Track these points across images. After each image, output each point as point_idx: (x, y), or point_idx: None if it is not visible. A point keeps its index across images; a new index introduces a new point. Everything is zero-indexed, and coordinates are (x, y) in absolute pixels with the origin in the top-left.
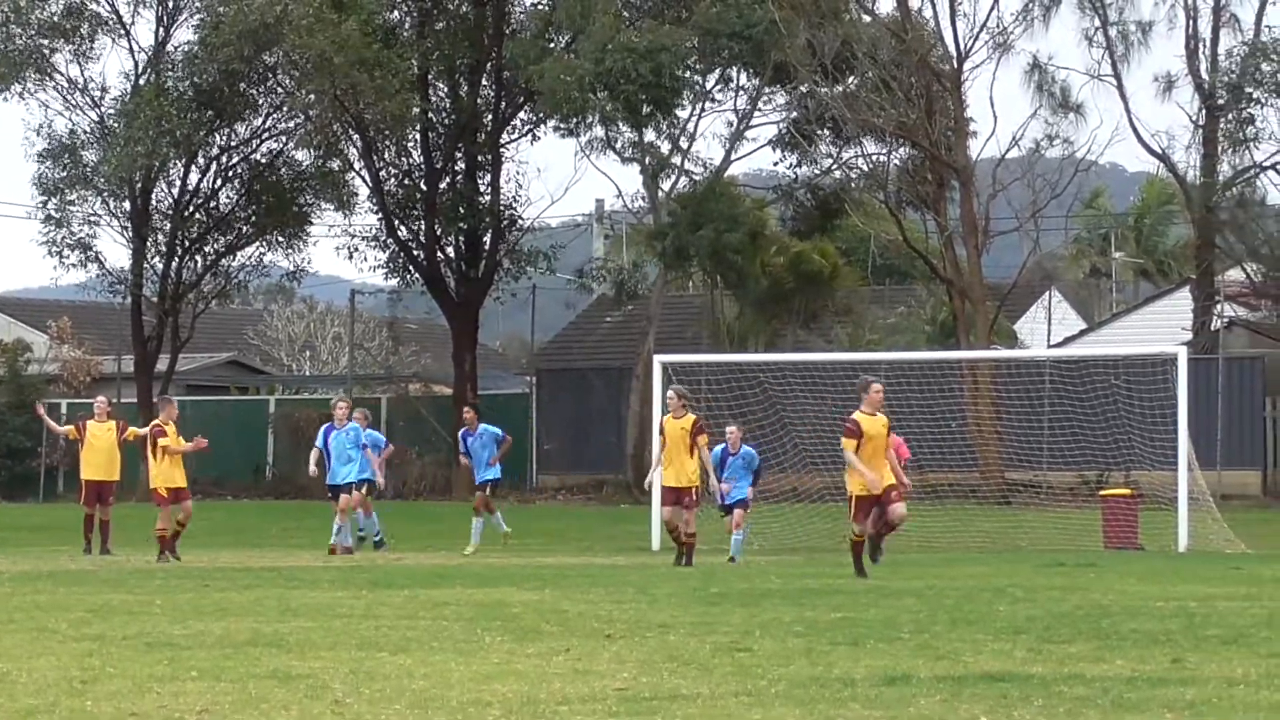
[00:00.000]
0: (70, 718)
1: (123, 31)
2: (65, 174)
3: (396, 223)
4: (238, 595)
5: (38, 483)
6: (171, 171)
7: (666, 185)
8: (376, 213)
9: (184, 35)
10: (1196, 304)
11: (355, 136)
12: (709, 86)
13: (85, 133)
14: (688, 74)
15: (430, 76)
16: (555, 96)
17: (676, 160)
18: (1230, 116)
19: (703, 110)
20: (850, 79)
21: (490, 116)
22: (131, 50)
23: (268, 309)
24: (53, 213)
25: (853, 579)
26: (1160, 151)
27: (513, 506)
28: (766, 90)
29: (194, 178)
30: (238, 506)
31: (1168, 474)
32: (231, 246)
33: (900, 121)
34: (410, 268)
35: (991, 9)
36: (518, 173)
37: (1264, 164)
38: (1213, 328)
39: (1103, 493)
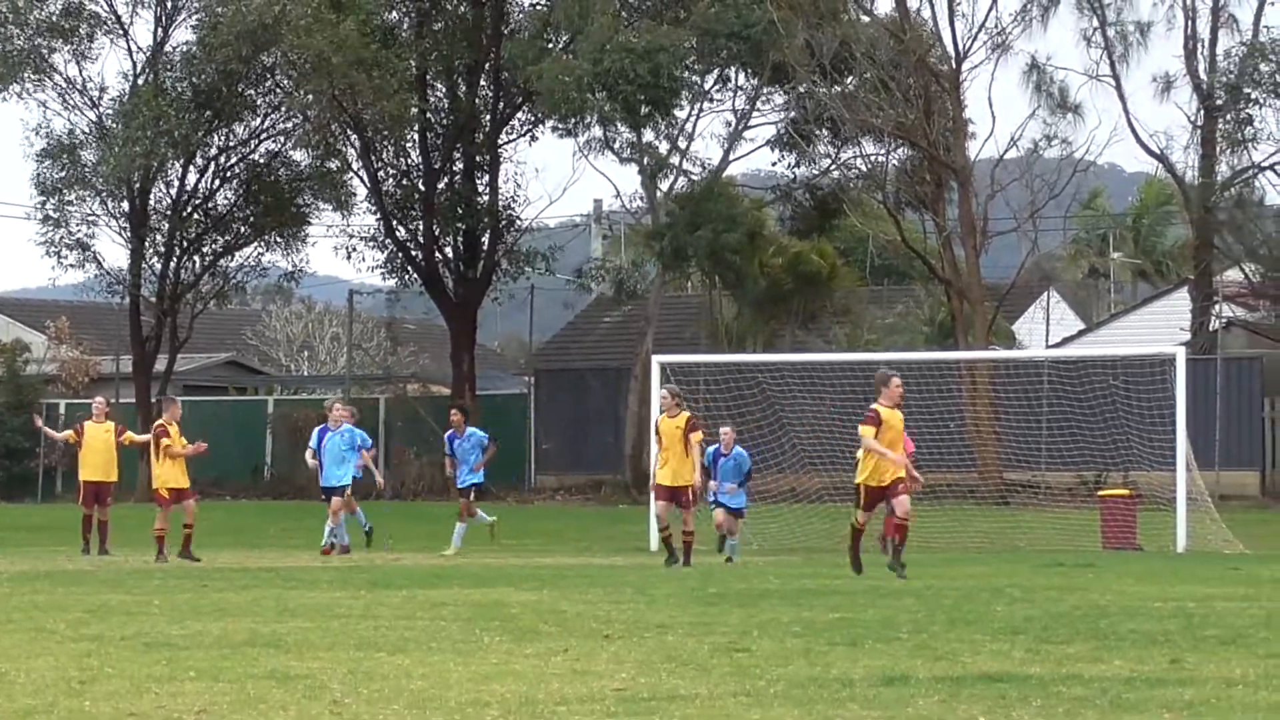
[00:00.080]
0: (68, 718)
1: (121, 31)
2: (64, 174)
3: (395, 223)
4: (236, 596)
5: (36, 483)
6: (170, 172)
7: (665, 185)
8: (375, 213)
9: (182, 35)
10: (1195, 304)
11: (353, 137)
12: (707, 87)
13: (84, 133)
14: (686, 74)
15: (428, 77)
16: (553, 97)
17: (675, 160)
18: (1228, 117)
19: (701, 110)
20: (849, 79)
21: (488, 117)
22: (130, 50)
23: (266, 309)
24: (51, 213)
25: (850, 578)
26: (1158, 152)
27: (511, 507)
28: (765, 90)
29: (192, 178)
30: (236, 507)
31: (1166, 474)
32: (230, 247)
33: (899, 122)
34: (408, 268)
35: (990, 9)
36: (516, 173)
37: (1262, 164)
38: (1211, 328)
39: (1101, 493)
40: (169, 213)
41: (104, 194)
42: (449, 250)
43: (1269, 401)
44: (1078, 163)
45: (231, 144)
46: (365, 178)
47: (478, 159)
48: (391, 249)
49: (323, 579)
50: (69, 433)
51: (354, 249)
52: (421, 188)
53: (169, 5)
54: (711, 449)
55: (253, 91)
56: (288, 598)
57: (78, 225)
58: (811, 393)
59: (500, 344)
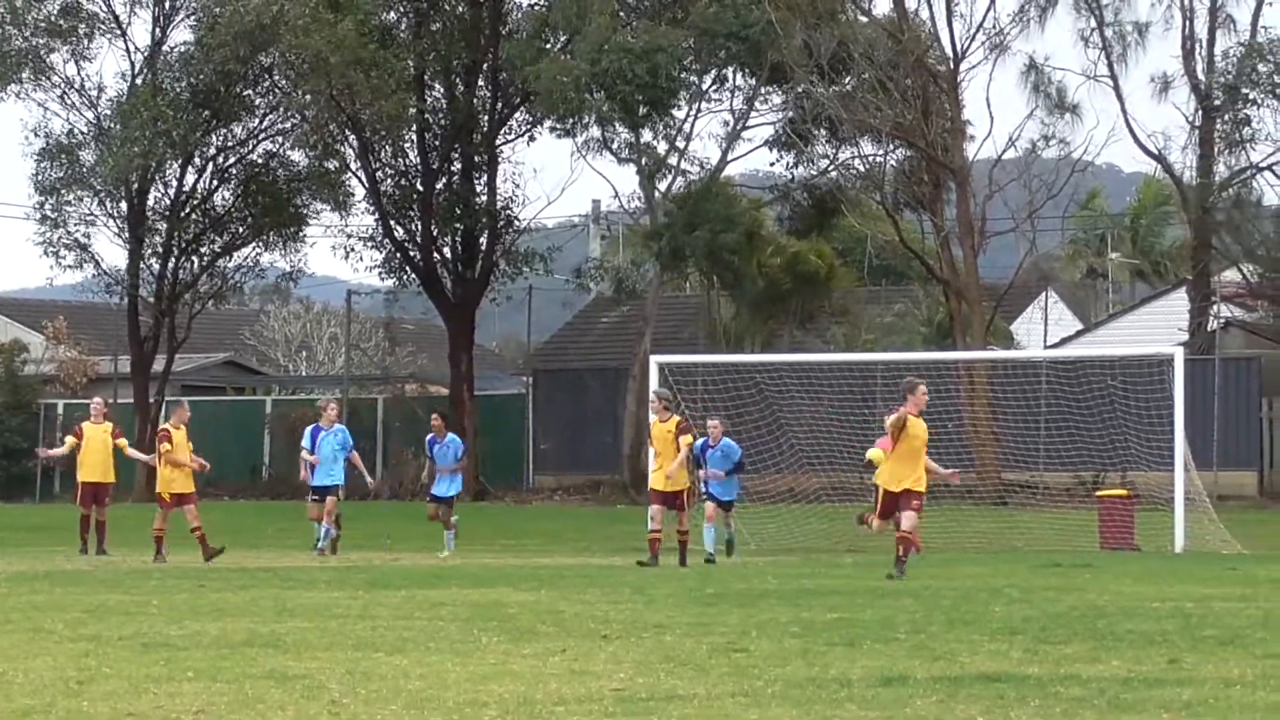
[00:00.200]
0: (67, 718)
1: (119, 32)
2: (62, 174)
3: (393, 223)
4: (234, 596)
5: (34, 483)
6: (168, 172)
7: (663, 186)
8: (373, 213)
9: (180, 35)
10: (1193, 305)
11: (351, 137)
12: (705, 87)
13: (82, 133)
14: (684, 74)
15: (426, 77)
16: (551, 97)
17: (673, 161)
18: (1226, 117)
19: (699, 111)
20: (847, 80)
21: (486, 117)
22: (128, 50)
23: (264, 309)
24: (49, 213)
25: (849, 578)
26: (1156, 152)
27: (509, 507)
28: (763, 91)
29: (190, 178)
30: (234, 507)
31: (1164, 474)
32: (228, 247)
33: (897, 122)
34: (407, 268)
35: (988, 10)
36: (514, 173)
37: (1260, 165)
38: (1209, 328)
39: (1099, 493)
40: (167, 213)
41: (102, 194)
42: (447, 250)
43: (1267, 402)
44: (1076, 163)
45: (230, 144)
46: (363, 178)
47: (476, 159)
48: (390, 249)
49: (321, 579)
50: (70, 440)
51: (352, 249)
52: (420, 188)
53: (167, 5)
54: (699, 442)
55: (251, 92)
56: (286, 598)
57: (76, 225)
58: (809, 393)
59: (498, 344)
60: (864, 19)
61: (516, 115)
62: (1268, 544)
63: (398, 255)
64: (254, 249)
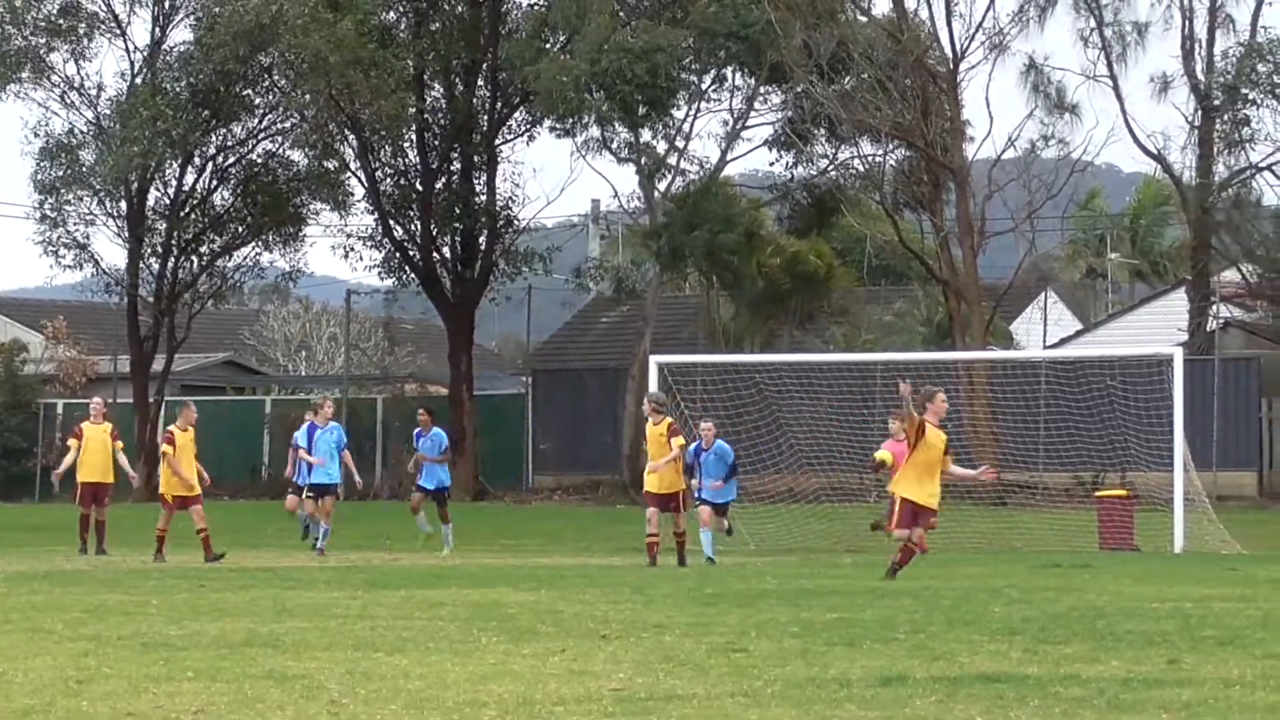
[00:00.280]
0: (66, 718)
1: (119, 31)
2: (62, 173)
3: (392, 223)
4: (233, 596)
5: (34, 483)
6: (167, 171)
7: (662, 186)
8: (372, 213)
9: (180, 35)
10: (1192, 305)
11: (351, 137)
12: (704, 87)
13: (82, 133)
14: (683, 74)
15: (426, 76)
16: (551, 97)
17: (672, 161)
18: (1226, 117)
19: (698, 111)
20: (846, 79)
21: (486, 116)
22: (128, 50)
23: (263, 309)
24: (49, 212)
25: (848, 578)
26: (1156, 152)
27: (509, 507)
28: (762, 90)
29: (190, 178)
30: (234, 506)
31: (1163, 475)
32: (227, 247)
33: (896, 122)
34: (406, 268)
35: (987, 10)
36: (513, 173)
37: (1259, 165)
38: (1208, 329)
39: (1098, 494)
40: (167, 213)
41: (102, 194)
42: (446, 250)
43: (1266, 402)
44: (1075, 163)
45: (229, 144)
46: (363, 177)
47: (475, 159)
48: (389, 249)
49: (320, 579)
50: (71, 442)
51: (351, 249)
52: (419, 188)
53: (166, 5)
54: (693, 445)
55: (250, 91)
56: (285, 598)
57: (75, 225)
58: (809, 393)
59: (498, 344)
60: (864, 19)
61: (516, 115)
62: (1267, 544)
63: (397, 255)
64: (253, 249)
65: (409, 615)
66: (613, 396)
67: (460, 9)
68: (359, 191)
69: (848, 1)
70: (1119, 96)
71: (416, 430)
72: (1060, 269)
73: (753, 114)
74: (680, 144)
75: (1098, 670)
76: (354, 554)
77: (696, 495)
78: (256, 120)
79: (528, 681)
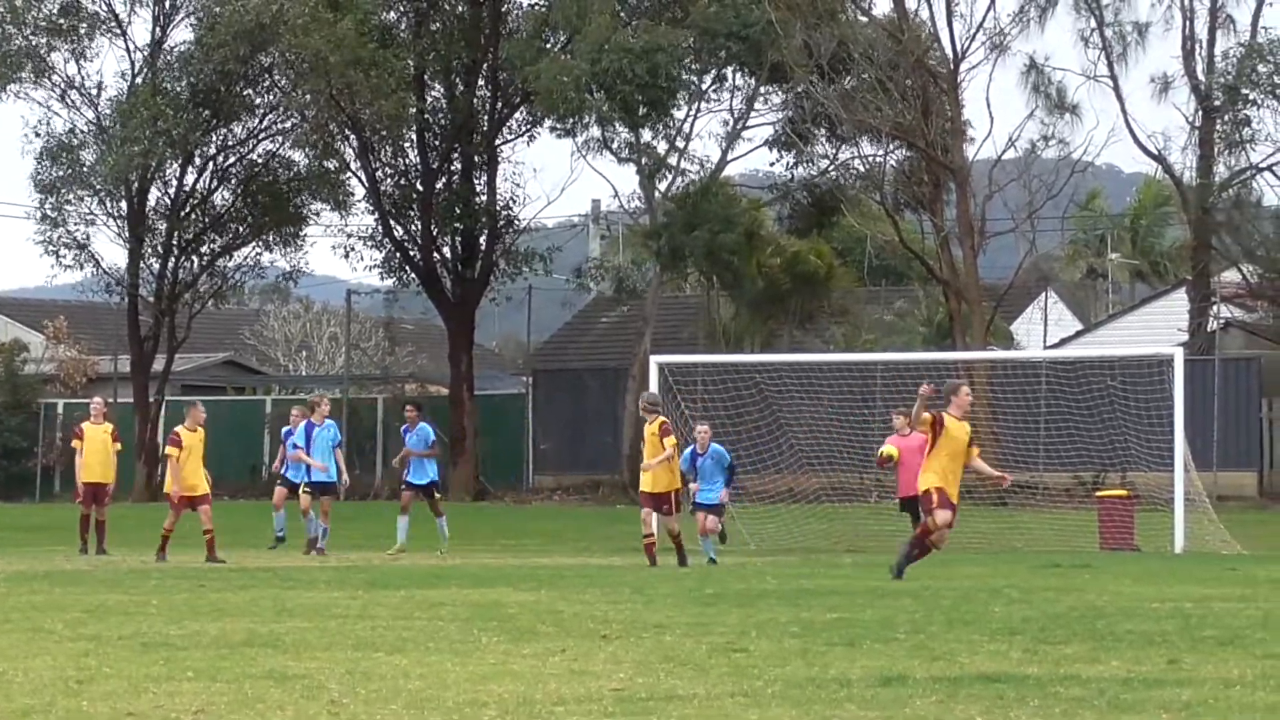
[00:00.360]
0: (66, 718)
1: (119, 31)
2: (62, 173)
3: (393, 223)
4: (234, 595)
5: (34, 483)
6: (168, 171)
7: (663, 186)
8: (373, 213)
9: (180, 35)
10: (1193, 305)
11: (351, 137)
12: (705, 87)
13: (82, 132)
14: (684, 74)
15: (426, 76)
16: (551, 97)
17: (673, 161)
18: (1226, 118)
19: (698, 111)
20: (846, 79)
21: (486, 116)
22: (128, 50)
23: (264, 309)
24: (49, 212)
25: (848, 578)
26: (1156, 153)
27: (509, 507)
28: (762, 90)
29: (190, 178)
30: (234, 507)
31: (1164, 475)
32: (228, 247)
33: (896, 122)
34: (406, 268)
35: (988, 10)
36: (514, 173)
37: (1260, 165)
38: (1209, 329)
39: (1099, 494)
40: (167, 212)
41: (102, 193)
42: (447, 250)
43: (1267, 402)
44: (1075, 163)
45: (230, 144)
46: (363, 178)
47: (476, 159)
48: (389, 249)
49: (320, 579)
50: (74, 442)
51: (352, 249)
52: (419, 188)
53: (167, 5)
54: (688, 450)
55: (250, 91)
56: (285, 598)
57: (76, 224)
58: (809, 393)
59: (498, 344)
60: (864, 19)
61: (516, 115)
62: (1267, 544)
63: (397, 255)
64: (254, 248)
65: (409, 615)
66: (613, 396)
67: (461, 9)
68: (359, 191)
69: (848, 1)
70: (1119, 97)
71: (404, 426)
72: (1061, 269)
73: (753, 114)
74: (680, 144)
75: (1098, 670)
76: (354, 554)
77: (693, 502)
78: (257, 120)
79: (528, 681)
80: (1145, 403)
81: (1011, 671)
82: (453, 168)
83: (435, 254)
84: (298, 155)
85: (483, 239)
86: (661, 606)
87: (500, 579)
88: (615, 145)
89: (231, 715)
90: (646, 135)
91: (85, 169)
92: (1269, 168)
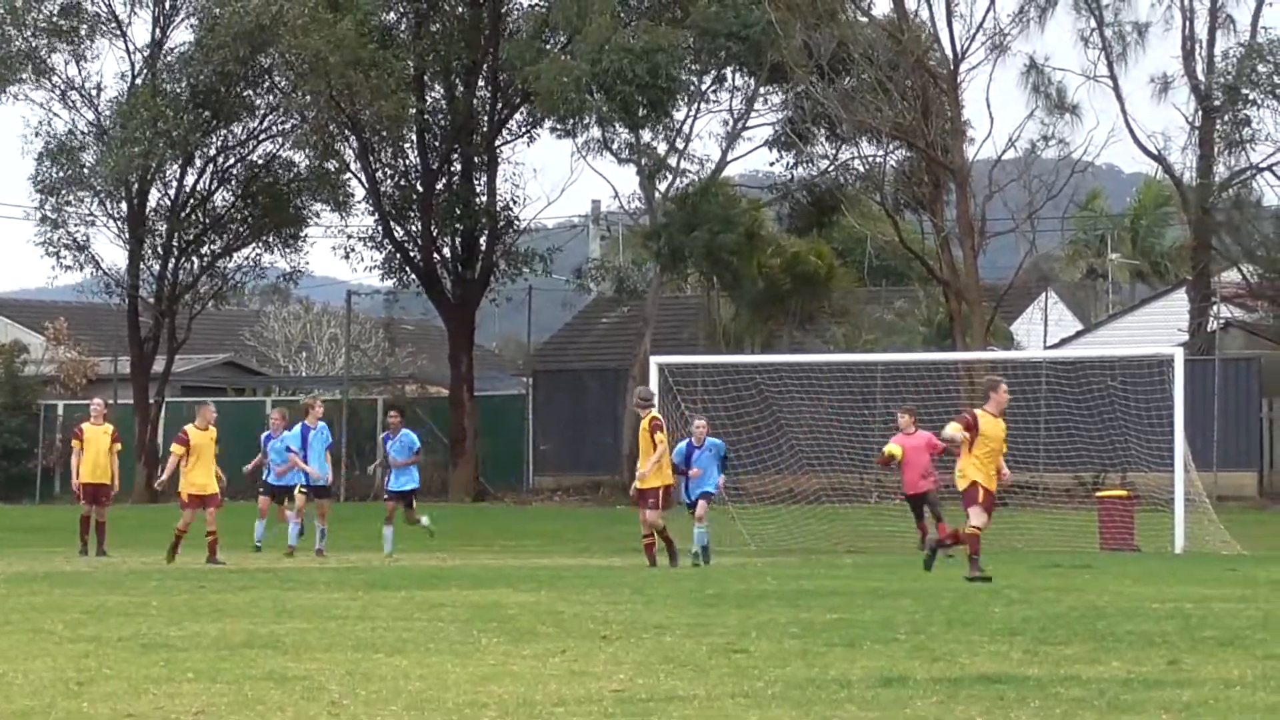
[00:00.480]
0: (66, 719)
1: (119, 32)
2: (63, 174)
3: (393, 224)
4: (234, 597)
5: (34, 484)
6: (168, 172)
7: (663, 186)
8: (373, 214)
9: (180, 36)
10: (1193, 305)
11: (351, 137)
12: (704, 87)
13: (82, 133)
14: (684, 75)
15: (426, 77)
16: (551, 97)
17: (673, 161)
18: (1226, 118)
19: (698, 111)
20: (846, 80)
21: (486, 117)
22: (128, 51)
23: (264, 310)
24: (49, 213)
25: (849, 579)
26: (1156, 153)
27: (509, 508)
28: (762, 91)
29: (190, 179)
30: (234, 508)
31: (1164, 475)
32: (228, 248)
33: (896, 123)
34: (407, 269)
35: (988, 10)
36: (514, 174)
37: (1260, 165)
38: (1209, 329)
39: (1099, 494)
40: (167, 213)
41: (102, 194)
42: (447, 251)
43: (1267, 402)
44: (1075, 163)
45: (230, 145)
46: (363, 178)
47: (476, 159)
48: (389, 249)
49: (320, 580)
50: (74, 443)
51: (352, 249)
52: (419, 188)
53: (167, 6)
54: (683, 444)
55: (251, 92)
56: (285, 599)
57: (76, 226)
58: (809, 393)
59: (498, 345)
60: (864, 19)
61: (516, 116)
62: (1267, 544)
63: (398, 256)
64: (254, 249)
65: (409, 616)
66: (613, 397)
67: (460, 9)
68: (359, 192)
69: (848, 2)
70: (1119, 97)
71: (384, 434)
72: (1061, 269)
73: (753, 114)
74: (680, 144)
75: (1098, 671)
76: (354, 555)
77: (686, 497)
78: (257, 121)
79: (528, 682)
80: (1145, 403)
81: (1012, 672)
82: (453, 168)
83: (435, 255)
84: (298, 156)
85: (483, 240)
86: (661, 607)
87: (500, 580)
88: (615, 146)
89: (231, 716)
90: (646, 136)
91: (85, 170)
92: (1269, 168)
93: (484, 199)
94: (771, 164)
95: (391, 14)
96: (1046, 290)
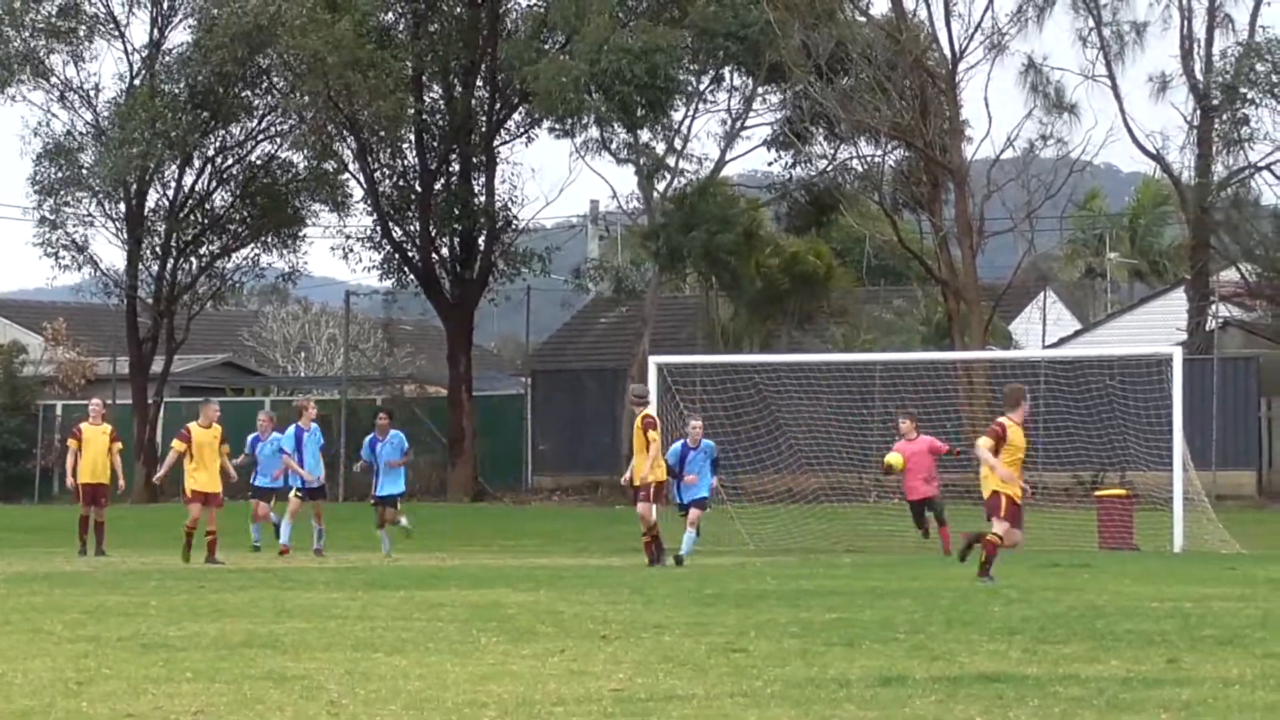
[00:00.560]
0: (66, 719)
1: (118, 33)
2: (61, 175)
3: (391, 224)
4: (233, 596)
5: (33, 484)
6: (166, 173)
7: (661, 186)
8: (371, 214)
9: (179, 37)
10: (1191, 304)
11: (349, 138)
12: (703, 87)
13: (81, 134)
14: (682, 75)
15: (425, 77)
16: (550, 97)
17: (671, 161)
18: (1225, 117)
19: (697, 111)
20: (845, 79)
21: (485, 117)
22: (126, 52)
23: (262, 310)
24: (48, 214)
25: (848, 579)
26: (1155, 152)
27: (508, 508)
28: (761, 90)
29: (189, 179)
30: (233, 507)
31: (1163, 474)
32: (226, 248)
33: (895, 122)
34: (405, 269)
35: (986, 10)
36: (512, 174)
37: (1258, 164)
38: (1208, 328)
39: (1098, 493)
40: (166, 214)
41: (101, 195)
42: (445, 251)
43: (1265, 401)
44: (1074, 163)
45: (228, 145)
46: (361, 179)
47: (474, 160)
48: (388, 250)
49: (319, 580)
50: (71, 443)
51: (351, 250)
52: (418, 189)
53: (165, 6)
54: (678, 444)
55: (249, 93)
56: (285, 599)
57: (74, 226)
58: (808, 393)
59: (497, 345)
60: (862, 19)
61: (515, 116)
62: (1266, 544)
63: (396, 256)
64: (253, 250)
65: (408, 616)
66: (612, 397)
67: (459, 10)
68: (358, 193)
69: (846, 1)
70: (1118, 96)
71: (371, 436)
72: (1059, 269)
73: (751, 114)
74: (679, 144)
75: (1097, 670)
76: (353, 555)
77: (678, 499)
78: (255, 122)
79: (527, 682)
80: (1144, 402)
81: (1011, 671)
82: (451, 169)
83: (434, 255)
84: (296, 156)
85: (481, 240)
86: (661, 607)
87: (499, 579)
88: (614, 146)
89: (231, 716)
90: (645, 136)
91: (84, 171)
92: (1267, 167)
93: (482, 199)
94: (770, 164)
95: (390, 14)
96: (1045, 290)
